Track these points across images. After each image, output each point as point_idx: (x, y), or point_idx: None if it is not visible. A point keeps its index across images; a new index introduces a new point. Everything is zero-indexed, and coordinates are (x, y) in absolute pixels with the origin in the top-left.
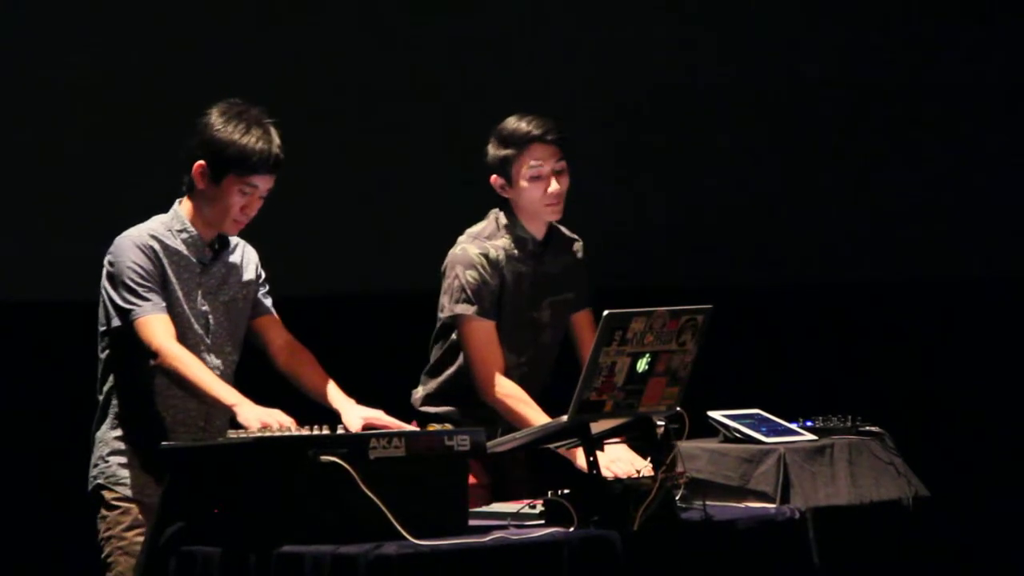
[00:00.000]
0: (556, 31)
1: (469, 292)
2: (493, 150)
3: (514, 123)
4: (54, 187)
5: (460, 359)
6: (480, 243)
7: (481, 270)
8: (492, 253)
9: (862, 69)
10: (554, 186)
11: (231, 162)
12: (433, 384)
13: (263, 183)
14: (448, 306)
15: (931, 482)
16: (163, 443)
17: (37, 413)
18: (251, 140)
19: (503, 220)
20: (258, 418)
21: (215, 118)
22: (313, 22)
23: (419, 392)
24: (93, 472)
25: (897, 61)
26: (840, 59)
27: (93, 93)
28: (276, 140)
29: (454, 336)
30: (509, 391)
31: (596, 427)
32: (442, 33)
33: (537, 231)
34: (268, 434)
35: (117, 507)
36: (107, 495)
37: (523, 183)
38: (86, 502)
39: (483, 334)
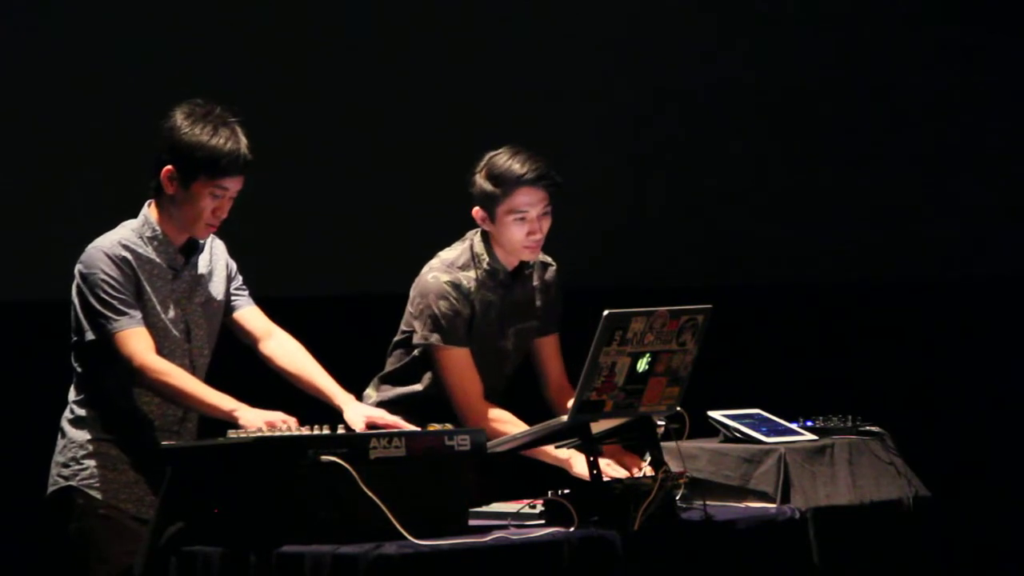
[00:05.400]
0: (558, 30)
1: (443, 322)
2: (480, 182)
3: (506, 161)
4: (55, 186)
5: (426, 380)
6: (452, 272)
7: (452, 300)
8: (464, 284)
9: (862, 70)
10: (536, 230)
11: (200, 166)
12: (390, 393)
13: (233, 185)
14: (421, 332)
15: (931, 482)
16: (164, 443)
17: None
18: (219, 142)
19: (477, 248)
20: (261, 420)
21: (180, 120)
22: (314, 24)
23: (372, 397)
24: (64, 472)
25: (898, 62)
26: (840, 60)
27: (94, 91)
28: (244, 140)
29: (416, 352)
30: (498, 415)
31: (596, 427)
32: (441, 33)
33: (509, 263)
34: (268, 434)
35: (95, 513)
36: (79, 499)
37: (506, 223)
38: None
39: (460, 362)
